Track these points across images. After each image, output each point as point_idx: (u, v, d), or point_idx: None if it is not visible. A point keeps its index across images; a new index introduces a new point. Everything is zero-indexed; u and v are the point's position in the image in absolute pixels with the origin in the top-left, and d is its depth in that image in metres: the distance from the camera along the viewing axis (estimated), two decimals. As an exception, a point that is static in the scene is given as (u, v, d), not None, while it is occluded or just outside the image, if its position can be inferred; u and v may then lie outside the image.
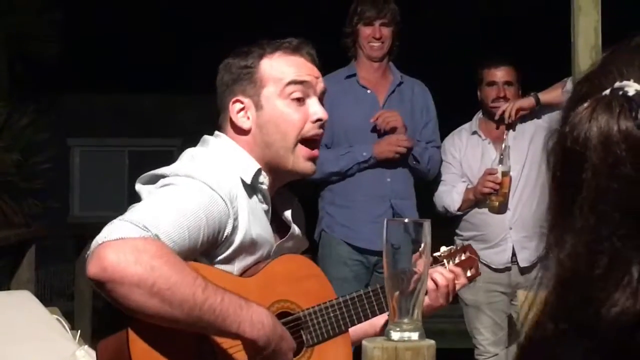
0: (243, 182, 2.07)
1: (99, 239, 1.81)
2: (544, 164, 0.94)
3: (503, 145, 4.23)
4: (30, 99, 9.69)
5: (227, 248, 2.02)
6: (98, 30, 14.28)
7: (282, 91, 2.12)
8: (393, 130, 4.14)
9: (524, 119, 4.36)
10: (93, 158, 15.12)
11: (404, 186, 4.23)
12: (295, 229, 2.22)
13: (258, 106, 2.12)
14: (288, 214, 2.22)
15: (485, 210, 4.32)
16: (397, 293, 1.57)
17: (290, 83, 2.12)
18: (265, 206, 2.13)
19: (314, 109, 2.13)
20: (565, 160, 0.88)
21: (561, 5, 3.54)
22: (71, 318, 5.64)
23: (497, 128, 4.40)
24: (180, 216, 1.89)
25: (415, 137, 4.22)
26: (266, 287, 2.07)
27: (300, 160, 2.13)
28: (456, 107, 4.44)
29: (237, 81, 2.14)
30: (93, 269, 1.78)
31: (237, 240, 2.02)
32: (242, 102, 2.13)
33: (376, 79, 4.30)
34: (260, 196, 2.12)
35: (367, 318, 2.19)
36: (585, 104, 0.88)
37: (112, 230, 1.81)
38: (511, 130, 4.36)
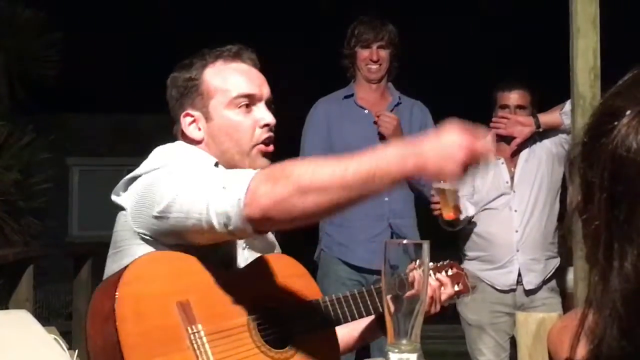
0: None
1: (232, 201, 1.82)
2: (571, 183, 0.93)
3: None
4: (30, 119, 9.69)
5: None
6: (97, 50, 14.31)
7: (230, 102, 2.19)
8: (383, 136, 4.17)
9: (532, 142, 4.37)
10: (92, 177, 15.10)
11: (402, 205, 4.23)
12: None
13: (208, 118, 2.20)
14: None
15: (493, 230, 4.32)
16: (395, 314, 1.57)
17: (239, 96, 2.19)
18: None
19: (261, 114, 2.21)
20: (620, 170, 0.87)
21: (560, 27, 3.55)
22: (69, 338, 5.63)
23: (507, 149, 4.40)
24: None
25: None
26: (252, 282, 2.10)
27: (256, 160, 2.19)
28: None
29: (184, 95, 2.21)
30: (255, 210, 1.79)
31: None
32: (192, 115, 2.20)
33: (374, 100, 4.32)
34: None
35: (354, 318, 2.22)
36: (627, 117, 0.88)
37: (229, 194, 1.84)
38: (522, 154, 4.37)
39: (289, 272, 2.19)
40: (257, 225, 1.83)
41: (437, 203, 4.06)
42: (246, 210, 1.81)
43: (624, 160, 0.87)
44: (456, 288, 2.40)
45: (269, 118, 2.22)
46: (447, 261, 2.46)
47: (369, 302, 2.22)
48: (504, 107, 4.39)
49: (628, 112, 0.89)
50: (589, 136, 0.93)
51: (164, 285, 1.95)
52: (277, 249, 2.36)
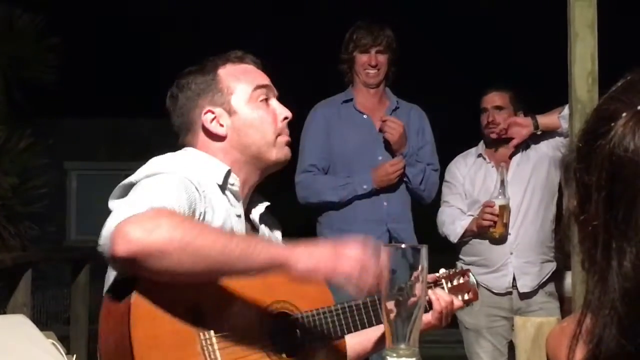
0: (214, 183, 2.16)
1: (111, 224, 1.85)
2: (567, 188, 0.93)
3: (501, 179, 4.24)
4: (28, 123, 9.69)
5: None
6: (96, 55, 14.32)
7: (251, 96, 2.25)
8: (387, 142, 4.17)
9: (526, 146, 4.37)
10: (90, 182, 15.10)
11: (400, 210, 4.23)
12: (265, 231, 2.30)
13: (231, 112, 2.24)
14: (257, 217, 2.29)
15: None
16: (393, 318, 1.57)
17: (257, 87, 2.26)
18: (237, 210, 2.19)
19: (280, 109, 2.29)
20: (618, 170, 0.88)
21: (558, 32, 3.56)
22: (67, 342, 5.62)
23: (495, 140, 4.41)
24: (165, 198, 1.96)
25: (412, 159, 4.22)
26: (266, 287, 2.09)
27: (282, 149, 2.27)
28: (462, 136, 4.45)
29: (201, 95, 2.25)
30: (121, 248, 1.80)
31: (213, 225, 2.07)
32: (213, 112, 2.24)
33: (372, 105, 4.31)
34: (232, 199, 2.19)
35: (364, 327, 2.22)
36: (624, 119, 0.89)
37: (121, 213, 1.86)
38: (514, 158, 4.37)
39: None
40: (117, 263, 1.86)
41: (493, 215, 4.17)
42: (117, 233, 1.82)
43: (622, 160, 0.88)
44: (466, 297, 2.40)
45: (287, 112, 2.29)
46: (459, 269, 2.45)
47: (380, 311, 2.22)
48: (484, 110, 4.41)
49: (624, 115, 0.89)
50: (584, 140, 0.94)
51: (178, 291, 1.94)
52: None
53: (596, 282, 0.89)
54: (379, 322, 2.23)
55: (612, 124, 0.90)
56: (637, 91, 0.92)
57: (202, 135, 2.25)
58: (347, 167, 4.21)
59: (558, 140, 4.33)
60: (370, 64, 4.27)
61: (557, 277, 4.46)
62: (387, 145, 4.21)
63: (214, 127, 2.23)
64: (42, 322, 10.12)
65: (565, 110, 4.00)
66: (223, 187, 2.18)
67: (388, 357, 1.56)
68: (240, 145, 2.24)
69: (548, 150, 4.37)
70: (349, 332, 2.20)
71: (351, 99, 4.33)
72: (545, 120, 4.32)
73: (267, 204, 2.32)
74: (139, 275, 1.88)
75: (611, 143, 0.89)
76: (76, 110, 14.43)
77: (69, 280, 7.08)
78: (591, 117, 0.95)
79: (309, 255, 1.93)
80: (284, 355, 2.08)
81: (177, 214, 1.90)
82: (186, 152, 2.26)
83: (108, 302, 1.96)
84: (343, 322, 2.18)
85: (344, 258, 1.95)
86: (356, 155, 4.21)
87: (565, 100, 3.69)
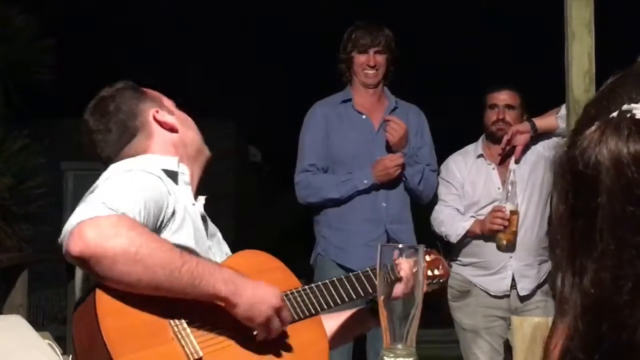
0: (168, 172, 2.21)
1: (73, 221, 1.90)
2: (555, 192, 0.92)
3: (510, 183, 4.23)
4: (25, 124, 9.67)
5: (172, 227, 2.10)
6: (92, 55, 14.31)
7: (172, 103, 2.43)
8: (387, 142, 4.16)
9: (525, 147, 4.36)
10: (86, 182, 15.00)
11: (399, 211, 4.23)
12: (213, 226, 2.35)
13: (168, 112, 2.37)
14: (201, 208, 2.33)
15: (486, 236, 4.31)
16: (390, 318, 1.56)
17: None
18: (192, 199, 2.26)
19: None
20: (579, 185, 0.86)
21: (555, 32, 3.55)
22: (63, 343, 5.61)
23: (501, 158, 4.41)
24: (133, 194, 2.01)
25: (411, 159, 4.21)
26: None
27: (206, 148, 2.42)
28: (457, 133, 4.44)
29: (140, 102, 2.35)
30: (76, 247, 1.85)
31: (178, 218, 2.12)
32: (159, 110, 2.35)
33: (371, 105, 4.31)
34: (185, 189, 2.25)
35: (336, 304, 2.30)
36: (594, 127, 0.86)
37: (85, 212, 1.91)
38: (512, 160, 4.36)
39: (266, 266, 2.26)
40: (71, 259, 1.89)
41: (503, 220, 4.16)
42: (76, 231, 1.87)
43: (582, 176, 0.85)
44: (436, 272, 2.43)
45: None
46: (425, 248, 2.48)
47: (349, 288, 2.31)
48: (493, 106, 4.40)
49: (597, 123, 0.87)
50: (568, 144, 0.92)
51: None
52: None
53: (562, 296, 0.89)
54: (350, 298, 2.32)
55: (580, 136, 0.87)
56: (617, 95, 0.89)
57: (156, 131, 2.31)
58: (345, 167, 4.20)
59: (554, 141, 4.32)
60: (368, 64, 4.26)
61: (550, 277, 4.45)
62: (387, 146, 4.20)
63: (169, 121, 2.33)
64: (39, 322, 10.10)
65: (563, 110, 4.00)
66: (176, 176, 2.23)
67: (385, 358, 1.55)
68: (186, 138, 2.34)
69: (544, 151, 4.36)
70: (322, 309, 2.27)
71: (350, 99, 4.32)
72: (542, 122, 4.32)
73: (205, 197, 2.37)
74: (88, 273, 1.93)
75: (575, 155, 0.87)
76: (73, 111, 14.39)
77: (65, 280, 7.06)
78: (579, 118, 0.94)
79: (248, 307, 2.01)
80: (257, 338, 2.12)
81: (137, 225, 1.92)
82: (138, 156, 2.29)
83: (78, 305, 2.01)
84: (314, 300, 2.26)
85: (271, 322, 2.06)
86: (355, 155, 4.21)
87: (562, 100, 3.69)
